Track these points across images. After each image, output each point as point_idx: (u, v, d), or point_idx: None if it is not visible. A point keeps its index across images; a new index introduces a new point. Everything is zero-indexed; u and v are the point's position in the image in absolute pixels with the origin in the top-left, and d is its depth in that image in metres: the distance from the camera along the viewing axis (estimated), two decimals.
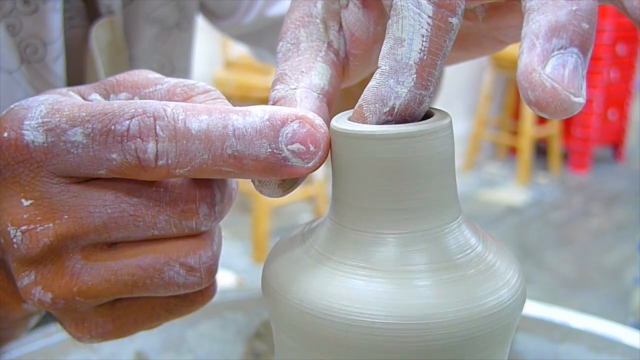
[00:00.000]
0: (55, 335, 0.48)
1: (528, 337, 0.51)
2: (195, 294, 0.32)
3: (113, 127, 0.27)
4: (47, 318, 0.62)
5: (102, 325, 0.31)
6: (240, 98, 2.38)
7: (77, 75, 0.55)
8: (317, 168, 0.29)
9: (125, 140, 0.27)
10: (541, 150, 3.75)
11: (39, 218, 0.28)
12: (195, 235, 0.30)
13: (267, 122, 0.28)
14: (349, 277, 0.28)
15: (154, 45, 0.60)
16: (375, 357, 0.27)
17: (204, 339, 0.52)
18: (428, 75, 0.28)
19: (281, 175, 0.28)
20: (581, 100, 0.24)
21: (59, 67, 0.53)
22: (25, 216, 0.28)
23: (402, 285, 0.27)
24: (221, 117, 0.28)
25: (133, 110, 0.28)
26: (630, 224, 3.03)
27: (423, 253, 0.28)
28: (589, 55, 0.25)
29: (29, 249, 0.28)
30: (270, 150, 0.28)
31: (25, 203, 0.28)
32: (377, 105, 0.28)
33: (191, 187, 0.30)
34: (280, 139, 0.28)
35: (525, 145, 3.44)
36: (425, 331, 0.27)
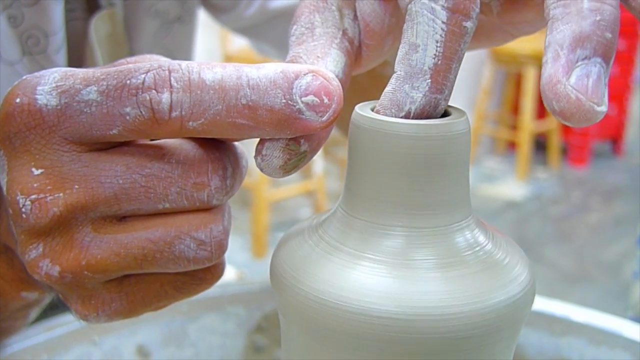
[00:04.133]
0: (57, 329, 0.48)
1: (529, 330, 0.51)
2: (204, 272, 0.32)
3: (128, 81, 0.27)
4: (48, 312, 0.62)
5: (110, 303, 0.31)
6: None
7: (78, 67, 0.55)
8: (330, 123, 0.29)
9: (140, 92, 0.27)
10: (540, 144, 3.75)
11: (49, 187, 0.28)
12: (207, 209, 0.30)
13: (281, 74, 0.28)
14: (357, 269, 0.28)
15: (155, 38, 0.60)
16: (380, 350, 0.27)
17: (206, 332, 0.52)
18: (443, 79, 0.28)
19: (295, 129, 0.28)
20: (604, 109, 0.24)
21: (60, 58, 0.53)
22: (35, 185, 0.28)
23: (409, 279, 0.28)
24: (235, 69, 0.28)
25: (149, 66, 0.28)
26: (629, 219, 3.04)
27: (431, 248, 0.28)
28: (611, 64, 0.25)
29: (37, 219, 0.28)
30: (284, 101, 0.28)
31: (36, 172, 0.28)
32: (393, 110, 0.29)
33: (203, 159, 0.30)
34: (294, 90, 0.28)
35: (525, 140, 3.44)
36: (431, 325, 0.27)
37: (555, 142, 3.64)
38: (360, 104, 0.31)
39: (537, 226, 3.03)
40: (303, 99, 0.28)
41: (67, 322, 0.48)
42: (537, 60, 3.35)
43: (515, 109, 3.69)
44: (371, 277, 0.28)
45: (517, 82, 3.69)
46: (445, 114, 0.30)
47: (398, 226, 0.29)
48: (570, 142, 3.77)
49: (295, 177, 2.88)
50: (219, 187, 0.30)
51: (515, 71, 3.61)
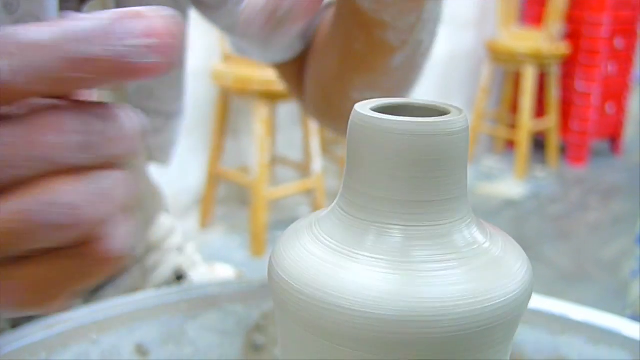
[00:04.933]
0: (55, 327, 0.48)
1: (527, 329, 0.51)
2: (86, 249, 0.30)
3: None
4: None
5: (5, 293, 0.30)
6: (238, 91, 2.38)
7: None
8: (169, 65, 0.28)
9: None
10: (539, 143, 3.75)
11: None
12: (68, 171, 0.29)
13: (107, 21, 0.27)
14: (354, 267, 0.28)
15: None
16: (379, 348, 0.27)
17: (204, 331, 0.52)
18: None
19: (134, 74, 0.28)
20: None
21: None
22: None
23: (407, 277, 0.28)
24: (60, 25, 0.27)
25: None
26: (627, 217, 3.04)
27: (429, 247, 0.28)
28: None
29: None
30: (113, 48, 0.27)
31: None
32: None
33: (53, 119, 0.29)
34: (120, 35, 0.27)
35: (523, 139, 3.44)
36: (429, 324, 0.27)
37: (553, 140, 3.64)
38: (360, 103, 0.31)
39: (536, 225, 3.03)
40: (131, 42, 0.27)
41: (65, 320, 0.48)
42: (536, 59, 3.35)
43: (514, 107, 3.69)
44: (368, 276, 0.28)
45: (516, 81, 3.69)
46: (443, 112, 0.30)
47: (396, 224, 0.29)
48: (568, 140, 3.78)
49: (294, 175, 2.88)
50: (83, 146, 0.29)
51: (514, 70, 3.61)
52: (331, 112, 0.69)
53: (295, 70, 0.71)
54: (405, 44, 0.55)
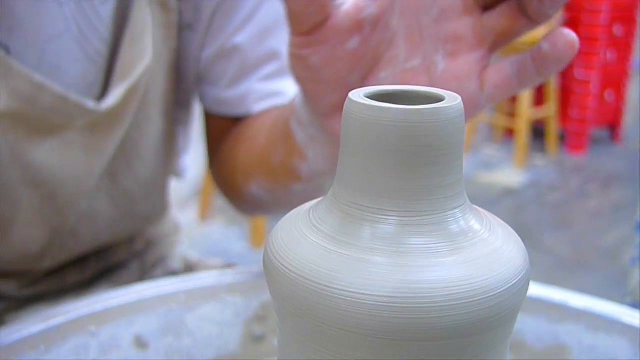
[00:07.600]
0: (53, 319, 0.47)
1: (527, 317, 0.51)
2: None
3: None
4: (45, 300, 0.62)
5: None
6: None
7: (122, 25, 0.56)
8: None
9: None
10: (538, 131, 3.75)
11: None
12: None
13: None
14: (351, 257, 0.28)
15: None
16: (376, 336, 0.27)
17: (203, 322, 0.52)
18: None
19: None
20: None
21: (106, 10, 0.54)
22: None
23: (403, 266, 0.27)
24: None
25: None
26: (627, 205, 3.04)
27: (425, 235, 0.28)
28: None
29: None
30: None
31: None
32: None
33: None
34: None
35: (522, 127, 3.44)
36: (424, 312, 0.27)
37: (553, 129, 3.64)
38: (354, 90, 0.31)
39: (535, 213, 3.03)
40: None
41: (64, 313, 0.48)
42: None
43: (513, 96, 3.68)
44: (364, 264, 0.28)
45: None
46: (438, 99, 0.30)
47: (391, 213, 0.29)
48: (568, 129, 3.77)
49: None
50: None
51: None
52: (230, 189, 0.68)
53: (224, 127, 0.68)
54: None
